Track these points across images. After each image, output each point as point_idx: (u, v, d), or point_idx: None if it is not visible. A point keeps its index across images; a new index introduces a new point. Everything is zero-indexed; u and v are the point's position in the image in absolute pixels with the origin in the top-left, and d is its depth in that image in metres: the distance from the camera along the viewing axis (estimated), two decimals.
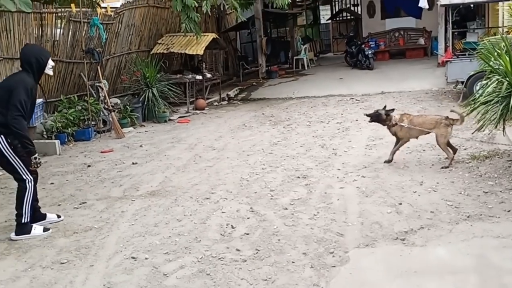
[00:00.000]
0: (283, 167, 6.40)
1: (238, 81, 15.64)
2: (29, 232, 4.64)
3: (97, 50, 9.53)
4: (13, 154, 4.52)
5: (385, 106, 6.20)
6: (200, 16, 10.94)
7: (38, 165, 4.59)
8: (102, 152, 8.00)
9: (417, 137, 6.15)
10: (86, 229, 4.78)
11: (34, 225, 4.72)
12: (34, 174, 4.75)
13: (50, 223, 4.92)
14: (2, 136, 4.47)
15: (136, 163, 7.14)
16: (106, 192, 5.92)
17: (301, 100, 11.85)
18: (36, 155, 4.55)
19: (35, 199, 4.79)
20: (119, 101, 10.10)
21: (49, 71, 4.78)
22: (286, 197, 5.26)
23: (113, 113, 9.28)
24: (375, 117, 6.15)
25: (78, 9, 9.22)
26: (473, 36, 11.62)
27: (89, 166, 7.18)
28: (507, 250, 3.69)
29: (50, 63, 4.75)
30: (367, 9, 19.61)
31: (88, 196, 5.81)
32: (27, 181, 4.64)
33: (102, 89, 9.40)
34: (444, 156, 6.00)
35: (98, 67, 9.53)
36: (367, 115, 6.28)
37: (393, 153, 6.11)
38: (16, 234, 4.63)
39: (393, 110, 6.14)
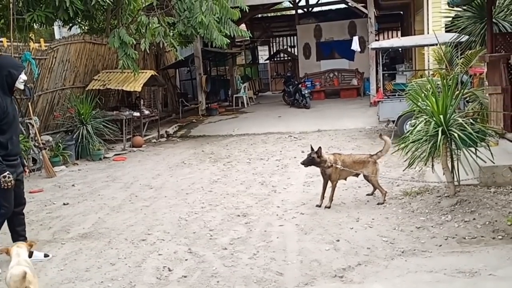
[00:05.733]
0: (223, 205, 6.33)
1: (177, 118, 15.55)
2: None
3: (28, 85, 9.13)
4: None
5: (319, 148, 5.95)
6: (138, 53, 10.88)
7: (8, 184, 4.26)
8: (30, 192, 7.55)
9: (345, 178, 6.22)
10: None
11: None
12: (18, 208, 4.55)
13: None
14: None
15: (67, 204, 6.79)
16: (33, 236, 5.53)
17: (241, 137, 11.92)
18: (6, 173, 4.23)
19: None
20: (51, 139, 9.69)
21: (20, 85, 4.51)
22: (225, 237, 5.17)
23: (44, 151, 8.85)
24: (310, 162, 6.02)
25: (9, 43, 8.85)
26: (402, 78, 12.31)
27: None
28: (440, 285, 3.79)
29: (22, 77, 4.49)
30: (303, 51, 20.42)
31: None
32: None
33: (33, 126, 8.99)
34: (378, 192, 6.17)
35: (29, 103, 9.13)
36: (302, 163, 6.14)
37: (330, 199, 5.91)
38: None
39: (320, 149, 5.91)
